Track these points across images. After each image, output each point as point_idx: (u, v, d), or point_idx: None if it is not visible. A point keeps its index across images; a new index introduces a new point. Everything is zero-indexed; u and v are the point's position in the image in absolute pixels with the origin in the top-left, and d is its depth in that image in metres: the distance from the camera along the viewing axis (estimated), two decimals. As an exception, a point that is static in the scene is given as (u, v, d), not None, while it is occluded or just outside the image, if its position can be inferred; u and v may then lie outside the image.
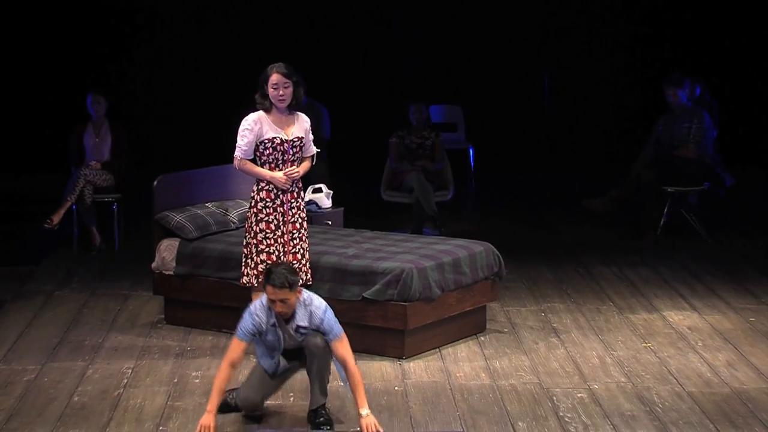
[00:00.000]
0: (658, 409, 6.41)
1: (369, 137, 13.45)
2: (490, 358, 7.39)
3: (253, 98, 7.08)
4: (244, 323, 6.08)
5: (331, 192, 9.46)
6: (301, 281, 6.15)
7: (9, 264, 10.03)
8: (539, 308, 8.61)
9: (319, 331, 6.07)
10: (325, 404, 6.13)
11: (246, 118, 7.08)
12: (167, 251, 8.09)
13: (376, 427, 5.92)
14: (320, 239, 8.00)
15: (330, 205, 9.37)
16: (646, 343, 7.71)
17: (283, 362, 6.23)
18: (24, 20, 14.33)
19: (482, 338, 7.83)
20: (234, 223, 8.27)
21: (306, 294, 6.12)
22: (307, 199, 9.01)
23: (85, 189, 10.50)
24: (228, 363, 6.03)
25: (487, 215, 12.53)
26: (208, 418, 5.89)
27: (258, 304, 6.11)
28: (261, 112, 7.07)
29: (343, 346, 6.07)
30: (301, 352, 6.14)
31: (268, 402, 6.38)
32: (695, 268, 9.85)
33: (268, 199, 7.09)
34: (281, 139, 7.06)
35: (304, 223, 7.23)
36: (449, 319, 7.63)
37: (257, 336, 6.10)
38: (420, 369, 7.16)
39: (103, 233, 10.70)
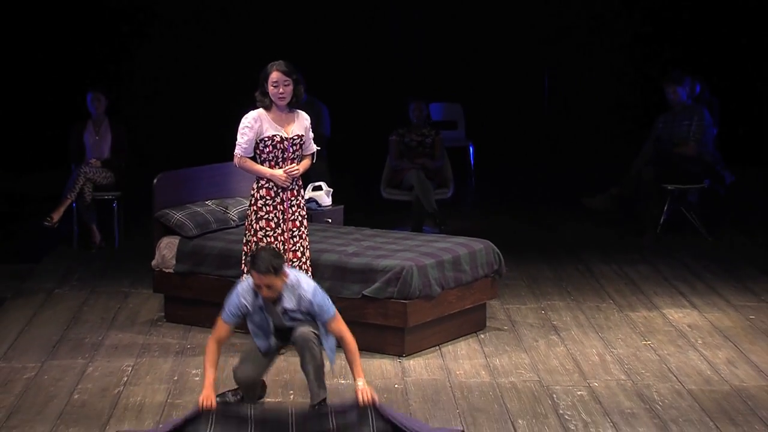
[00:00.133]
0: (658, 407, 6.42)
1: (369, 135, 13.45)
2: (490, 355, 7.39)
3: (253, 96, 7.09)
4: (230, 305, 6.04)
5: (331, 190, 9.46)
6: (286, 264, 6.09)
7: (9, 262, 10.04)
8: (539, 306, 8.62)
9: (310, 314, 6.04)
10: (326, 399, 6.10)
11: (246, 115, 7.08)
12: (167, 249, 8.09)
13: (371, 395, 5.88)
14: (320, 237, 8.01)
15: (330, 203, 9.37)
16: (646, 340, 7.72)
17: (275, 341, 6.18)
18: (24, 19, 14.32)
19: (482, 336, 7.83)
20: (234, 220, 8.28)
21: (293, 276, 6.05)
22: (307, 196, 9.01)
23: (85, 187, 10.50)
24: (214, 340, 6.02)
25: (487, 213, 12.53)
26: (207, 393, 5.85)
27: (246, 286, 6.05)
28: (261, 110, 7.07)
29: (337, 324, 6.05)
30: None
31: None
32: (695, 265, 9.85)
33: (268, 197, 7.09)
34: (281, 136, 7.06)
35: (304, 221, 7.24)
36: (449, 317, 7.63)
37: (243, 318, 6.06)
38: (420, 367, 7.16)
39: (103, 231, 10.71)
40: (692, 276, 9.50)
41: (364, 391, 5.87)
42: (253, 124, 7.04)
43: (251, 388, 6.24)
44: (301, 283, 6.06)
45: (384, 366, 7.13)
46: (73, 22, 14.40)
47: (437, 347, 7.53)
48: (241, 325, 6.19)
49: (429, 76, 14.78)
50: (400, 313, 7.25)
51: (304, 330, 6.05)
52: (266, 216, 7.08)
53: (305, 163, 7.21)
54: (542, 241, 10.97)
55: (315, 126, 7.92)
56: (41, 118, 14.11)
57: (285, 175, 7.06)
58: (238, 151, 7.09)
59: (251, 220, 7.12)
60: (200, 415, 5.77)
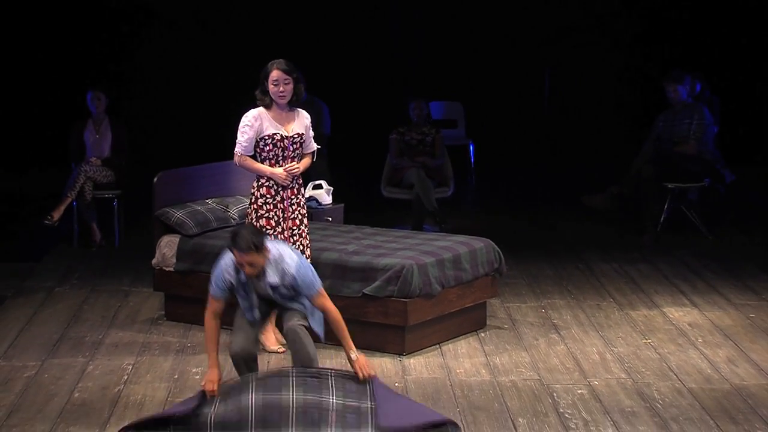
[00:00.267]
0: (659, 405, 6.42)
1: (369, 133, 13.45)
2: (491, 354, 7.39)
3: (253, 95, 7.09)
4: (216, 279, 5.98)
5: (332, 188, 9.46)
6: (267, 239, 6.02)
7: (9, 260, 10.04)
8: (539, 304, 8.62)
9: (294, 290, 5.97)
10: None
11: (246, 114, 7.09)
12: (167, 247, 8.09)
13: (369, 368, 5.83)
14: (320, 235, 8.01)
15: (330, 202, 9.37)
16: (646, 339, 7.72)
17: (259, 314, 6.11)
18: (24, 19, 14.33)
19: (482, 334, 7.83)
20: (234, 219, 8.28)
21: (276, 251, 5.94)
22: (307, 195, 9.01)
23: (85, 185, 10.50)
24: (211, 316, 5.97)
25: (488, 211, 12.53)
26: (212, 373, 5.82)
27: (228, 262, 5.96)
28: (261, 109, 7.08)
29: (322, 299, 5.99)
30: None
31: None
32: (695, 264, 9.85)
33: (268, 196, 7.09)
34: (281, 135, 7.06)
35: (305, 220, 7.24)
36: (449, 316, 7.63)
37: (231, 291, 6.01)
38: (420, 365, 7.16)
39: (104, 230, 10.71)
40: (692, 274, 9.50)
41: (362, 366, 5.82)
42: (254, 123, 7.04)
43: (251, 358, 6.11)
44: (284, 257, 5.95)
45: (384, 364, 7.14)
46: (73, 22, 14.41)
47: (437, 346, 7.53)
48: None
49: (429, 75, 14.78)
50: (401, 311, 7.26)
51: (292, 324, 6.00)
52: (266, 214, 7.09)
53: (305, 162, 7.22)
54: (543, 239, 10.97)
55: (315, 124, 7.92)
56: (41, 117, 14.13)
57: (285, 173, 7.06)
58: (238, 149, 7.09)
59: (251, 219, 7.12)
60: (204, 400, 5.75)
